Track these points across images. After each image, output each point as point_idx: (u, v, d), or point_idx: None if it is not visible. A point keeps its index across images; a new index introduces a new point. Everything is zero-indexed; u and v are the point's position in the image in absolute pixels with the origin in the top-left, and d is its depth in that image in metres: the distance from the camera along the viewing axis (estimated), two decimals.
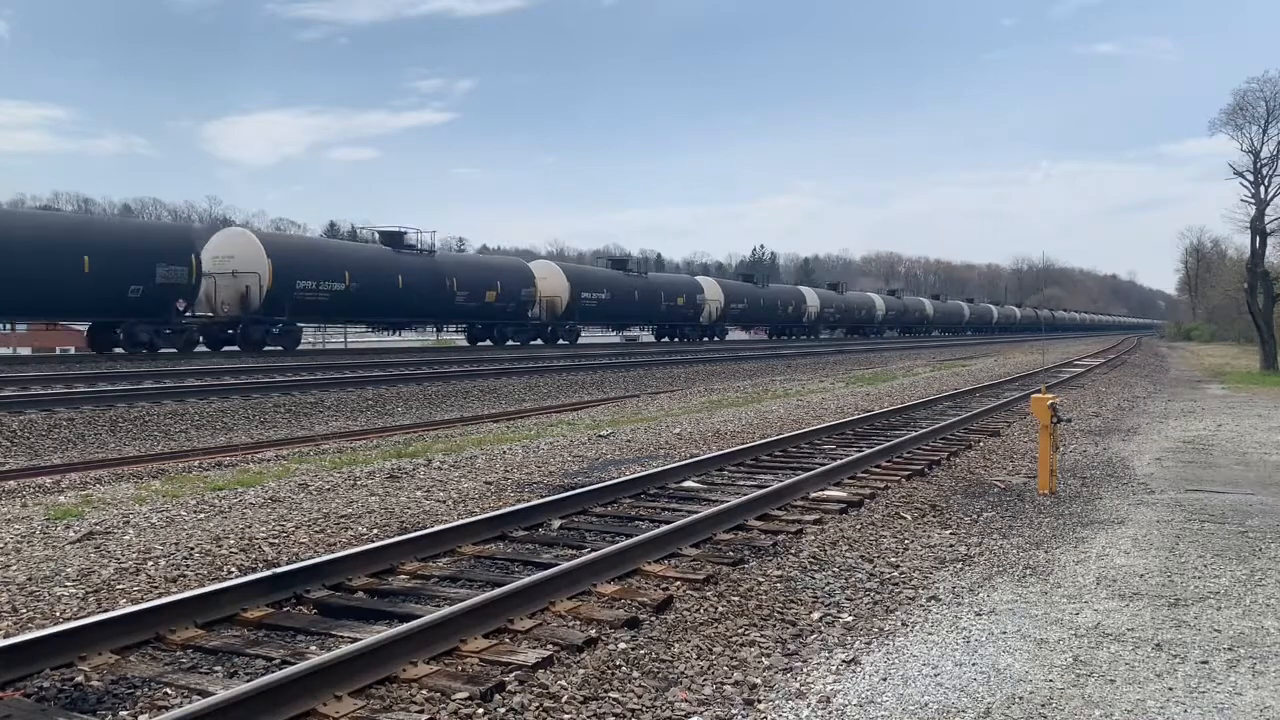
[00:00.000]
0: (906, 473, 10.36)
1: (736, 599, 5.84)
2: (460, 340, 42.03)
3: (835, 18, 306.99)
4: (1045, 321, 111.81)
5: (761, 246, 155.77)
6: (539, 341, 41.20)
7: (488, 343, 39.48)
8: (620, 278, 46.61)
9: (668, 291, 49.65)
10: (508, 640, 4.97)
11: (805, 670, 4.82)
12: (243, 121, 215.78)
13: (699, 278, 58.43)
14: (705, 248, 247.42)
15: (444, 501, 8.68)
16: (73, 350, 38.74)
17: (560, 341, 41.99)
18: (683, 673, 4.73)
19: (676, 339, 52.26)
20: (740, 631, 5.34)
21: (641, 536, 6.76)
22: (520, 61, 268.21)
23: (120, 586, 5.84)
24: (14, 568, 6.19)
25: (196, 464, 12.22)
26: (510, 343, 39.45)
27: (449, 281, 34.69)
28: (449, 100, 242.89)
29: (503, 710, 4.13)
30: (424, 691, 4.30)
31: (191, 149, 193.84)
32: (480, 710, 4.11)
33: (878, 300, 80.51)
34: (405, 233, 34.36)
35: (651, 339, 53.64)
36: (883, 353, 50.18)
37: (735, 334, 61.72)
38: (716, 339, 54.74)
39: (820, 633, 5.40)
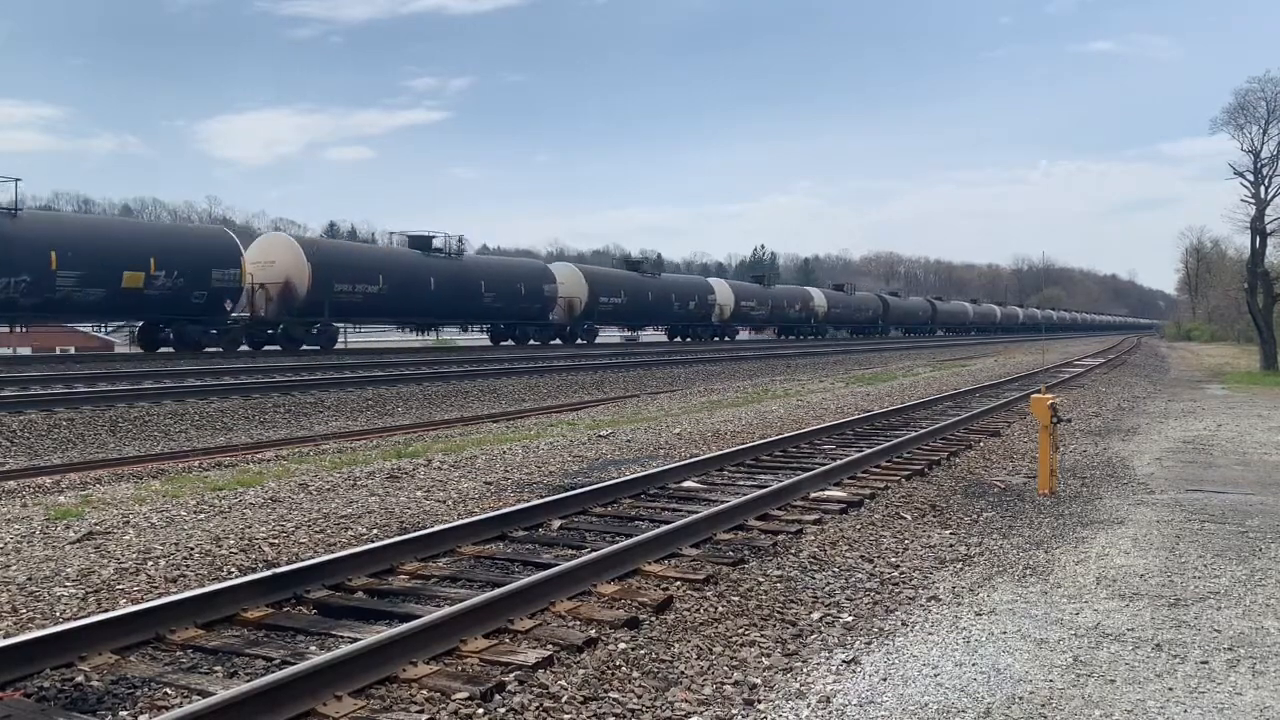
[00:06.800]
0: (906, 473, 10.36)
1: (736, 599, 5.84)
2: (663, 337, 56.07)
3: (835, 17, 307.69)
4: (1045, 321, 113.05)
5: (762, 246, 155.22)
6: (711, 339, 54.53)
7: (678, 339, 53.38)
8: (762, 290, 60.83)
9: (790, 299, 64.06)
10: (508, 640, 4.97)
11: (805, 670, 4.82)
12: (237, 120, 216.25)
13: (807, 288, 72.61)
14: (705, 248, 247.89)
15: (444, 502, 8.68)
16: (73, 350, 38.80)
17: (725, 339, 55.86)
18: (683, 673, 4.73)
19: (794, 336, 65.37)
20: (740, 631, 5.34)
21: (641, 537, 6.76)
22: (515, 60, 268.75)
23: (120, 586, 5.84)
24: (14, 568, 6.19)
25: (196, 464, 12.23)
26: (693, 339, 53.08)
27: (671, 295, 49.64)
28: (443, 99, 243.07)
29: (503, 710, 4.13)
30: (424, 691, 4.30)
31: (187, 148, 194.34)
32: (480, 710, 4.11)
33: (929, 305, 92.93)
34: (642, 261, 51.27)
35: (773, 337, 65.46)
36: (884, 353, 50.35)
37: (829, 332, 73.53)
38: (822, 337, 68.21)
39: (820, 633, 5.40)
